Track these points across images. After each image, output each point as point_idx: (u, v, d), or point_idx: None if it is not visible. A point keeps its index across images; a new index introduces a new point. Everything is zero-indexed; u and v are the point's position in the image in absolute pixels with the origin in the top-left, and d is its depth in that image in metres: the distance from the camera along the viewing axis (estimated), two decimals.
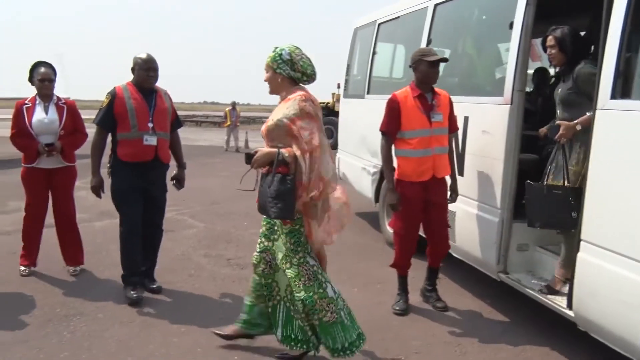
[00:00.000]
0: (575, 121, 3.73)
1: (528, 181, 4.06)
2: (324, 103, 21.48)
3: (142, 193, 4.60)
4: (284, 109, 3.30)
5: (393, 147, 4.37)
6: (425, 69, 4.22)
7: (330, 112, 20.62)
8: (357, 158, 7.40)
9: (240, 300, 4.53)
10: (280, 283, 3.53)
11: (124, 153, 4.47)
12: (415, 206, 4.32)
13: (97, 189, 4.62)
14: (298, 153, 3.23)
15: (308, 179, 3.23)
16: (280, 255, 3.45)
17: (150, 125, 4.47)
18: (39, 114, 4.92)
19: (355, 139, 7.48)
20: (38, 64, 4.97)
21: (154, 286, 4.77)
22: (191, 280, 5.10)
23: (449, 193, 4.49)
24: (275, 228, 3.47)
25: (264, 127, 3.42)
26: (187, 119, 38.01)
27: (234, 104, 20.07)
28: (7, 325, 4.03)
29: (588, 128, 3.63)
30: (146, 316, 4.27)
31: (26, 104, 4.94)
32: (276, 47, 3.39)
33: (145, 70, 4.47)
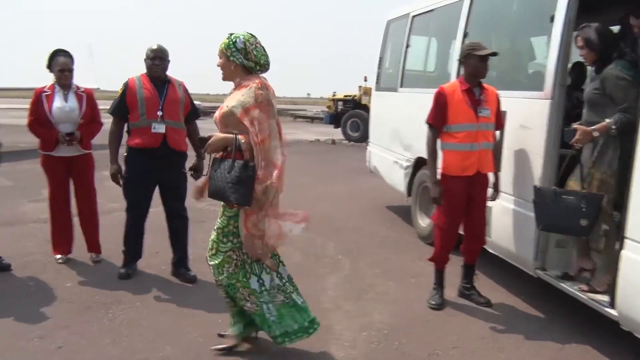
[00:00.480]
0: (592, 127, 3.66)
1: (535, 184, 4.06)
2: (350, 96, 21.39)
3: (155, 183, 4.78)
4: (239, 96, 3.26)
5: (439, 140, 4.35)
6: (474, 63, 4.18)
7: (357, 105, 20.53)
8: (389, 152, 7.36)
9: None
10: None
11: (133, 140, 4.64)
12: (459, 201, 4.29)
13: (115, 177, 4.77)
14: (253, 142, 3.22)
15: (260, 168, 3.22)
16: (212, 237, 3.48)
17: (159, 113, 4.60)
18: (59, 102, 4.96)
19: (388, 133, 7.44)
20: (57, 53, 5.01)
21: (190, 275, 4.84)
22: None
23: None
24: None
25: (217, 114, 3.39)
26: (213, 110, 38.01)
27: None
28: (47, 311, 4.11)
29: (606, 134, 3.60)
30: (183, 306, 4.30)
31: (45, 91, 4.99)
32: (231, 34, 3.34)
33: (151, 59, 4.64)
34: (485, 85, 4.30)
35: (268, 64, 3.40)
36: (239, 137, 3.24)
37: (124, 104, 4.65)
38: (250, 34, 3.36)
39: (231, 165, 3.21)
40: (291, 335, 3.48)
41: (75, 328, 3.85)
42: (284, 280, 3.51)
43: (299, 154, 15.35)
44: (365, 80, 20.44)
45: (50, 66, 5.00)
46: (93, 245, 5.31)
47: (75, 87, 5.08)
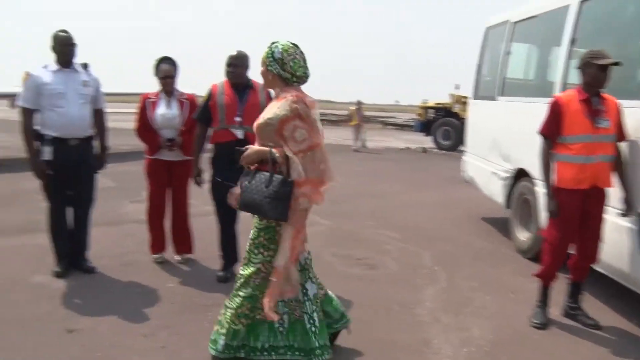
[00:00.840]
0: None
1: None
2: (442, 104, 21.08)
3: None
4: (274, 108, 3.20)
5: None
6: (594, 72, 3.96)
7: (448, 114, 20.20)
8: (487, 162, 7.16)
9: (370, 300, 4.52)
10: None
11: (214, 139, 4.78)
12: (573, 215, 4.08)
13: (194, 179, 4.95)
14: (290, 154, 3.13)
15: (316, 173, 3.16)
16: (247, 247, 3.39)
17: (238, 119, 4.65)
18: (162, 109, 5.15)
19: (485, 142, 7.23)
20: (162, 61, 5.20)
21: None
22: (322, 280, 5.10)
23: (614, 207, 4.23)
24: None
25: (255, 125, 3.32)
26: None
27: (359, 103, 20.02)
28: (149, 311, 4.24)
29: None
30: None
31: (151, 98, 5.20)
32: (273, 43, 3.27)
33: (227, 65, 4.73)
34: (604, 95, 4.07)
35: (306, 77, 3.31)
36: (274, 150, 3.19)
37: (207, 109, 4.77)
38: (292, 43, 3.29)
39: (269, 180, 3.16)
40: (294, 351, 3.37)
41: (176, 328, 3.94)
42: (305, 298, 3.40)
43: (390, 161, 15.27)
44: (457, 88, 20.07)
45: (156, 73, 5.20)
46: (184, 246, 5.49)
47: (178, 94, 5.25)
